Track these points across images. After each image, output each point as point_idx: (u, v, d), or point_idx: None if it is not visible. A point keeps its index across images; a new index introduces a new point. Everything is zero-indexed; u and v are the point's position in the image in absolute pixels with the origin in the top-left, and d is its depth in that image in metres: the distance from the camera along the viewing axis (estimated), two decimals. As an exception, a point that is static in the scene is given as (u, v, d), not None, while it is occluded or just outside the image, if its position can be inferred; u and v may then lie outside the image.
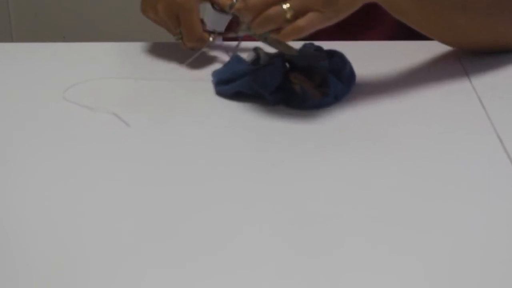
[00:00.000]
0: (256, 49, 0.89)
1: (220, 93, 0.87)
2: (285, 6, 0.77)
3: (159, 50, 1.01)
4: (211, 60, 0.92)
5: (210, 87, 0.89)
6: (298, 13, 0.77)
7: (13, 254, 0.61)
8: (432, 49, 0.97)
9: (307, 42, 0.89)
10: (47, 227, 0.64)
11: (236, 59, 0.88)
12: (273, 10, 0.77)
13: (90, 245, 0.62)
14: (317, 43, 0.89)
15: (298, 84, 0.83)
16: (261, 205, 0.67)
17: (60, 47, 1.03)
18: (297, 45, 0.89)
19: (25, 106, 0.87)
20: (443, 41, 0.93)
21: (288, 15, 0.77)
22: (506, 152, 0.74)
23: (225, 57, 0.89)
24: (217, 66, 0.89)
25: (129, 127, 0.80)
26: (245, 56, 0.89)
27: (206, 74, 0.90)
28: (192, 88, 0.89)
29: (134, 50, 1.01)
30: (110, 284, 0.57)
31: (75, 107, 0.85)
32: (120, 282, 0.58)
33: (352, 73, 0.87)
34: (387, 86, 0.88)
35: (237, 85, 0.85)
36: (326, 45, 0.89)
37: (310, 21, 0.77)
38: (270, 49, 0.88)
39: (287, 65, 0.86)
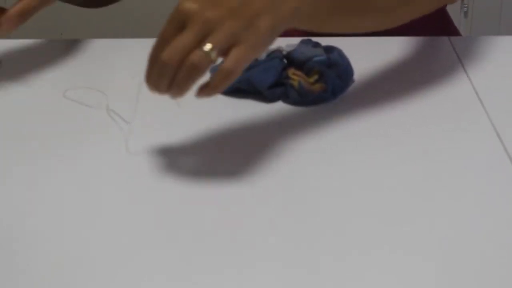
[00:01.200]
0: None
1: None
2: (207, 47, 0.65)
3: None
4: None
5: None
6: (222, 51, 0.66)
7: (13, 256, 0.61)
8: (431, 45, 0.97)
9: (305, 38, 0.89)
10: (48, 226, 0.64)
11: None
12: (195, 56, 0.65)
13: (89, 244, 0.62)
14: (314, 39, 0.89)
15: (296, 80, 0.83)
16: (260, 203, 0.67)
17: (58, 44, 1.03)
18: (295, 41, 0.88)
19: (24, 104, 0.86)
20: (359, 31, 0.88)
21: (213, 56, 0.66)
22: (506, 151, 0.74)
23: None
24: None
25: (128, 124, 0.80)
26: None
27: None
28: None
29: (132, 46, 1.01)
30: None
31: (73, 104, 0.85)
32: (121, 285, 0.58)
33: (350, 69, 0.87)
34: (385, 82, 0.88)
35: (236, 81, 0.85)
36: (324, 41, 0.89)
37: (237, 59, 0.66)
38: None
39: (285, 61, 0.86)
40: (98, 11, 2.09)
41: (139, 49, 0.99)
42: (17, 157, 0.75)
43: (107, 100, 0.85)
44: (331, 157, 0.74)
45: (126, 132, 0.79)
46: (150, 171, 0.72)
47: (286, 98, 0.84)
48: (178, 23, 0.66)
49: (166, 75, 0.66)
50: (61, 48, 1.02)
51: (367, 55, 0.94)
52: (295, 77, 0.83)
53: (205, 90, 0.67)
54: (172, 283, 0.57)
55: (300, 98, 0.83)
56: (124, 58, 0.98)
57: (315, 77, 0.84)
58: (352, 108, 0.83)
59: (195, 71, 0.65)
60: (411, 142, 0.76)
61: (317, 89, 0.83)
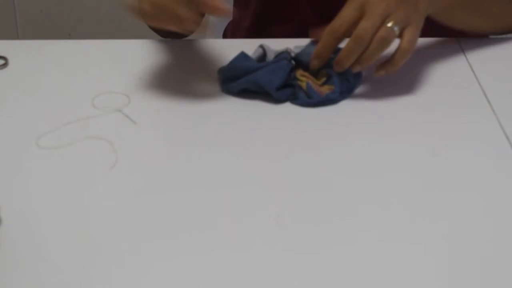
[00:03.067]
0: (262, 46, 0.88)
1: (227, 90, 0.87)
2: (390, 24, 0.79)
3: (164, 48, 1.00)
4: (217, 57, 0.92)
5: (216, 84, 0.88)
6: (401, 27, 0.80)
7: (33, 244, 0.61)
8: (439, 45, 0.97)
9: (314, 39, 0.89)
10: (56, 220, 0.65)
11: (242, 56, 0.88)
12: (384, 32, 0.79)
13: (97, 239, 0.62)
14: None
15: (304, 81, 0.83)
16: (266, 202, 0.67)
17: (66, 44, 1.03)
18: (303, 42, 0.88)
19: (33, 103, 0.87)
20: (475, 31, 0.97)
21: (396, 32, 0.79)
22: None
23: (232, 54, 0.88)
24: (223, 63, 0.89)
25: (135, 124, 0.80)
26: (251, 53, 0.89)
27: (212, 71, 0.90)
28: (198, 85, 0.89)
29: (140, 47, 1.01)
30: (115, 279, 0.58)
31: (81, 104, 0.85)
32: (126, 277, 0.58)
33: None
34: (393, 82, 0.88)
35: (244, 82, 0.85)
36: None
37: (411, 38, 0.80)
38: (275, 46, 0.88)
39: (293, 62, 0.85)
40: (106, 12, 2.10)
41: (145, 50, 1.00)
42: (20, 153, 0.75)
43: (114, 100, 0.85)
44: (337, 157, 0.74)
45: (133, 132, 0.79)
46: (157, 168, 0.72)
47: (294, 99, 0.84)
48: (358, 9, 0.80)
49: (359, 49, 0.80)
50: (69, 48, 1.02)
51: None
52: (303, 78, 0.83)
53: (387, 67, 0.82)
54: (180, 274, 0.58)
55: (308, 98, 0.83)
56: (131, 58, 0.98)
57: (323, 79, 0.84)
58: (359, 108, 0.83)
59: (385, 43, 0.79)
60: (417, 142, 0.76)
61: (325, 90, 0.83)
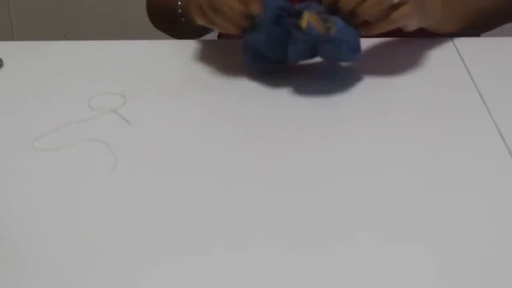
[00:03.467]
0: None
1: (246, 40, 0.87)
2: None
3: (160, 48, 1.00)
4: (212, 57, 0.92)
5: (213, 84, 0.88)
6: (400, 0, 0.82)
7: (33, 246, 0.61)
8: (434, 45, 0.97)
9: None
10: (56, 220, 0.65)
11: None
12: None
13: (97, 239, 0.62)
14: None
15: (305, 20, 0.82)
16: (268, 202, 0.67)
17: (61, 45, 1.03)
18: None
19: (29, 104, 0.87)
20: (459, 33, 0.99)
21: (395, 0, 0.82)
22: (509, 151, 0.74)
23: (227, 55, 0.88)
24: (219, 63, 0.89)
25: (130, 124, 0.80)
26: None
27: (208, 72, 0.90)
28: (194, 85, 0.89)
29: (136, 48, 1.01)
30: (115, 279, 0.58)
31: (77, 105, 0.85)
32: (126, 277, 0.58)
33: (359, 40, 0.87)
34: (389, 82, 0.88)
35: (255, 36, 0.86)
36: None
37: (403, 14, 0.83)
38: None
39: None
40: (102, 13, 2.10)
41: (140, 51, 1.00)
42: (18, 152, 0.75)
43: (109, 101, 0.85)
44: (336, 157, 0.74)
45: (129, 132, 0.79)
46: (153, 171, 0.72)
47: (291, 43, 0.84)
48: None
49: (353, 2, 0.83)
50: (64, 49, 1.02)
51: (371, 56, 0.94)
52: (307, 17, 0.82)
53: (370, 28, 0.85)
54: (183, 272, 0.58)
55: (305, 35, 0.82)
56: (126, 59, 0.98)
57: (329, 25, 0.83)
58: (356, 108, 0.83)
59: (380, 3, 0.82)
60: (415, 142, 0.76)
61: (325, 30, 0.83)
